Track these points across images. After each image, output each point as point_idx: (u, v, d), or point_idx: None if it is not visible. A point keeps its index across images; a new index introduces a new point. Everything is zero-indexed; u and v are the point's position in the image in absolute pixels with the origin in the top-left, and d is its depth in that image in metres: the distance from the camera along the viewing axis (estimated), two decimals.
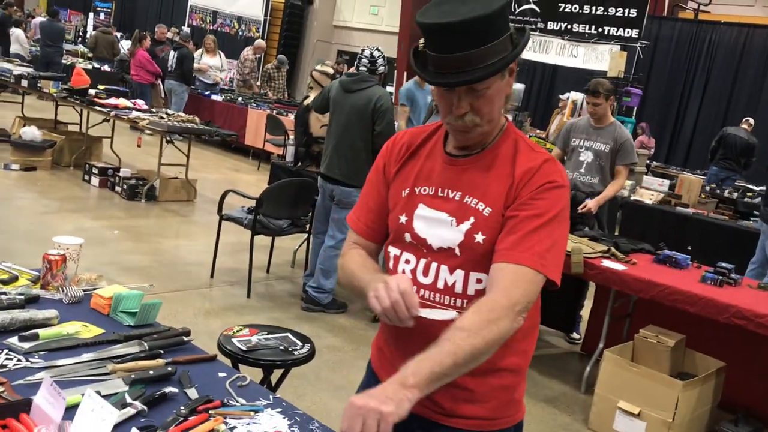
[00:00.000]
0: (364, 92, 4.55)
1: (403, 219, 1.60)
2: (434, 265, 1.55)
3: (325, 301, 4.87)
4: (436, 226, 1.55)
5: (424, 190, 1.59)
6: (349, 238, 1.75)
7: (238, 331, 2.55)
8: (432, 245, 1.55)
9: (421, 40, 1.52)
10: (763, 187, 9.37)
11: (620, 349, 3.80)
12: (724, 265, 3.92)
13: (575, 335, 5.07)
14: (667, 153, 13.12)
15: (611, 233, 5.34)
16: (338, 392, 3.70)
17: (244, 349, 2.42)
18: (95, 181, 7.57)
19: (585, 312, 4.97)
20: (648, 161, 10.96)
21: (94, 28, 18.47)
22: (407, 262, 1.59)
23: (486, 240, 1.51)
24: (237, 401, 1.67)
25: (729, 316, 3.44)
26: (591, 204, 4.75)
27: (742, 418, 3.66)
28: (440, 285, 1.55)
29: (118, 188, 7.39)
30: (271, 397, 1.73)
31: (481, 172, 1.54)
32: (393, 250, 1.64)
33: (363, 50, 4.68)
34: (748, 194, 8.67)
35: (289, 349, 2.48)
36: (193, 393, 1.66)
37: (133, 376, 1.67)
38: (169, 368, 1.74)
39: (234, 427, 1.55)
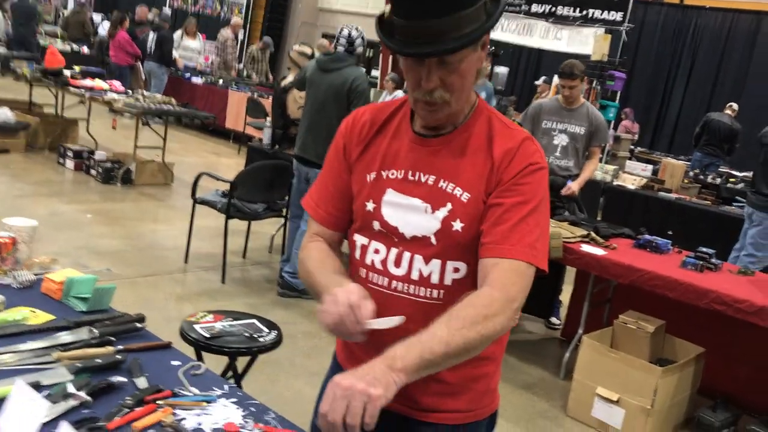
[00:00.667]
0: (340, 72, 4.44)
1: (370, 206, 1.48)
2: (407, 255, 1.45)
3: (302, 286, 4.77)
4: (408, 213, 1.44)
5: (392, 174, 1.47)
6: (308, 228, 1.63)
7: (201, 317, 2.46)
8: (404, 234, 1.44)
9: (387, 7, 1.41)
10: (746, 173, 9.36)
11: (599, 335, 3.74)
12: (704, 250, 3.87)
13: (555, 320, 5.01)
14: (652, 138, 13.09)
15: (592, 218, 5.29)
16: (312, 379, 3.62)
17: (207, 336, 2.33)
18: (70, 164, 7.42)
19: (565, 297, 4.91)
20: (632, 146, 10.93)
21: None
22: (376, 252, 1.48)
23: (465, 228, 1.41)
24: (189, 391, 1.58)
25: (709, 302, 3.39)
26: (574, 186, 4.68)
27: (720, 404, 3.62)
28: (414, 276, 1.45)
29: (93, 171, 7.23)
30: (226, 386, 1.64)
31: (455, 153, 1.43)
32: (360, 239, 1.53)
33: (341, 30, 4.56)
34: (731, 180, 8.64)
35: (255, 335, 2.40)
36: (142, 382, 1.57)
37: (78, 364, 1.58)
38: (119, 356, 1.64)
39: (183, 419, 1.46)
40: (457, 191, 1.42)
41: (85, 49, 13.27)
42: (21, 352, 1.63)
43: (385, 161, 1.49)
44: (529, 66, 14.17)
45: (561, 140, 4.80)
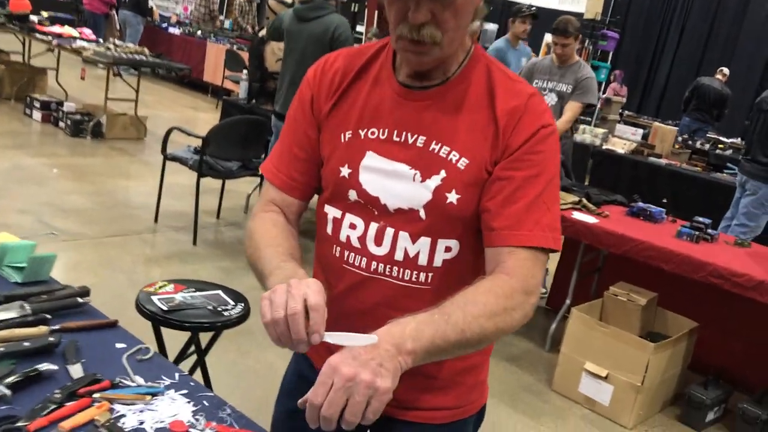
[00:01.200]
0: (320, 20, 4.14)
1: (345, 171, 1.24)
2: (390, 231, 1.21)
3: None
4: (392, 181, 1.20)
5: (373, 133, 1.22)
6: (263, 193, 1.37)
7: (160, 287, 2.23)
8: (387, 206, 1.21)
9: None
10: (734, 140, 9.20)
11: (588, 307, 3.56)
12: (701, 219, 3.68)
13: (541, 289, 4.83)
14: (640, 102, 12.89)
15: (581, 183, 5.08)
16: (286, 351, 3.41)
17: (165, 309, 2.10)
18: (37, 115, 7.07)
19: (551, 265, 4.73)
20: (621, 110, 10.71)
21: None
22: (352, 227, 1.25)
23: (461, 200, 1.18)
24: (133, 381, 1.36)
25: (705, 275, 3.21)
26: None
27: (712, 381, 3.47)
28: (399, 256, 1.22)
29: (61, 124, 6.89)
30: (177, 375, 1.42)
31: (449, 109, 1.20)
32: (332, 211, 1.28)
33: None
34: (719, 146, 8.48)
35: (219, 308, 2.17)
36: (77, 370, 1.35)
37: (2, 348, 1.35)
38: (52, 338, 1.42)
39: (122, 416, 1.24)
40: (453, 156, 1.18)
41: None
42: None
43: (363, 117, 1.24)
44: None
45: (550, 100, 4.57)
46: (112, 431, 1.19)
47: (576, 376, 3.41)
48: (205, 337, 2.32)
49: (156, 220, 4.87)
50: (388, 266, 1.22)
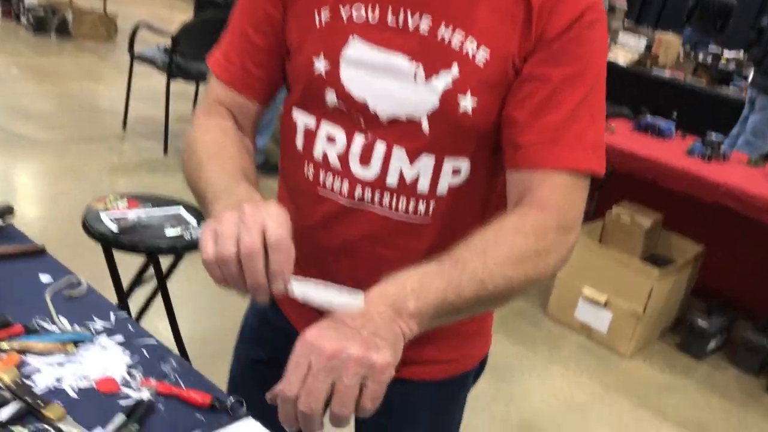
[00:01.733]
0: None
1: (320, 65, 0.93)
2: (381, 147, 0.92)
3: (257, 162, 4.24)
4: (385, 79, 0.89)
5: (360, 12, 0.90)
6: (208, 91, 1.05)
7: (112, 201, 1.93)
8: (378, 113, 0.91)
9: None
10: (736, 53, 8.82)
11: (588, 229, 3.32)
12: (714, 136, 3.40)
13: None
14: (639, 11, 12.37)
15: None
16: None
17: (115, 230, 1.81)
18: None
19: None
20: (624, 18, 10.23)
21: None
22: (331, 140, 0.95)
23: (478, 108, 0.88)
24: (55, 324, 1.09)
25: (718, 196, 2.96)
26: None
27: (716, 306, 3.28)
28: (392, 181, 0.93)
29: (23, 19, 6.46)
30: (113, 316, 1.15)
31: None
32: (303, 119, 0.98)
33: None
34: (722, 60, 8.11)
35: (179, 228, 1.89)
36: None
37: None
38: None
39: (36, 371, 0.98)
40: (469, 46, 0.87)
41: None
42: None
43: None
44: None
45: None
46: (17, 394, 0.92)
47: (572, 302, 3.20)
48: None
49: (124, 126, 4.52)
50: (377, 193, 0.94)
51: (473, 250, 0.79)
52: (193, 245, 1.88)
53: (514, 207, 0.88)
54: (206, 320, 2.72)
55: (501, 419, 2.57)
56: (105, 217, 1.85)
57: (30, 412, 0.89)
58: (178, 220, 1.93)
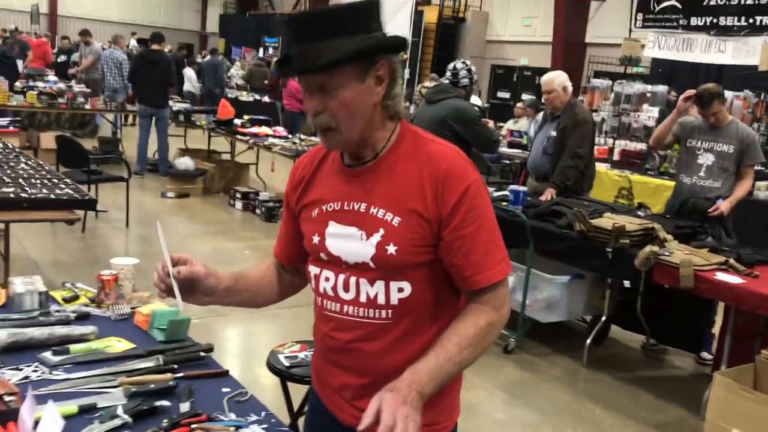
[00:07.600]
0: (443, 102, 4.47)
1: (316, 239, 1.56)
2: (353, 279, 1.52)
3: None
4: (348, 242, 1.51)
5: (331, 207, 1.54)
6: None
7: (289, 347, 2.61)
8: (347, 261, 1.51)
9: None
10: None
11: (737, 372, 3.40)
12: None
13: (706, 355, 4.61)
14: None
15: (742, 243, 4.82)
16: None
17: (288, 365, 2.46)
18: (239, 204, 8.07)
19: (714, 329, 4.52)
20: None
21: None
22: (327, 279, 1.57)
23: (399, 251, 1.46)
24: (227, 416, 1.71)
25: None
26: (723, 206, 4.35)
27: None
28: (362, 299, 1.51)
29: (258, 211, 7.82)
30: (263, 413, 1.75)
31: (382, 179, 1.49)
32: (313, 269, 1.62)
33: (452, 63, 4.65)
34: None
35: None
36: (185, 407, 1.71)
37: (133, 389, 1.76)
38: (171, 382, 1.81)
39: None
40: (388, 216, 1.47)
41: (266, 99, 14.41)
42: (92, 377, 1.85)
43: (324, 197, 1.57)
44: (688, 82, 13.15)
45: (706, 159, 4.50)
46: None
47: None
48: None
49: None
50: (355, 308, 1.52)
51: (451, 342, 1.42)
52: None
53: (469, 303, 1.50)
54: None
55: None
56: (281, 357, 2.51)
57: None
58: None
